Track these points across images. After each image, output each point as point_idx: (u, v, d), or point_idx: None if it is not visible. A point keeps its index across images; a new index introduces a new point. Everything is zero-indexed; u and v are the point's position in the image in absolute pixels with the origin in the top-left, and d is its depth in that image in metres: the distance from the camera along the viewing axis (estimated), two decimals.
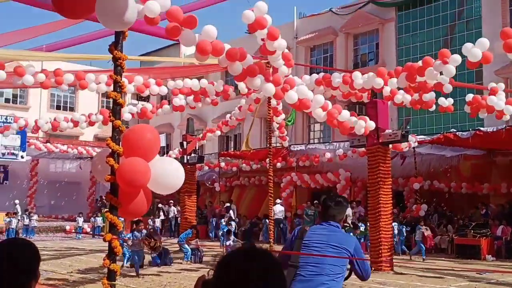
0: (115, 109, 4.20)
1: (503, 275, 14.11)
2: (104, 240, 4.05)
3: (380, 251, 14.46)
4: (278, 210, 23.67)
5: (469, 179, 22.12)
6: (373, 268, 14.31)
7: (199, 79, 17.42)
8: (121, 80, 4.23)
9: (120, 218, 4.64)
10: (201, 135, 22.79)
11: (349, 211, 18.42)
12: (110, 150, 4.02)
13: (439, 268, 15.02)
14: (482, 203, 21.32)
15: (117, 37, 4.26)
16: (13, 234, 24.16)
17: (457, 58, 11.97)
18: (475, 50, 11.40)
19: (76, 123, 16.50)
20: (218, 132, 21.74)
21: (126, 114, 17.47)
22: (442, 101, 16.50)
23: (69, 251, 20.25)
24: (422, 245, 17.74)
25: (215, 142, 33.76)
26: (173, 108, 18.19)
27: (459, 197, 22.46)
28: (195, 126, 28.86)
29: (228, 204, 26.84)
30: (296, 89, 11.82)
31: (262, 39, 10.13)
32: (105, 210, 20.70)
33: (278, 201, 23.93)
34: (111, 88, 14.51)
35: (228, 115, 21.26)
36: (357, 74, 14.31)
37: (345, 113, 13.38)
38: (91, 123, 16.54)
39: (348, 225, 17.01)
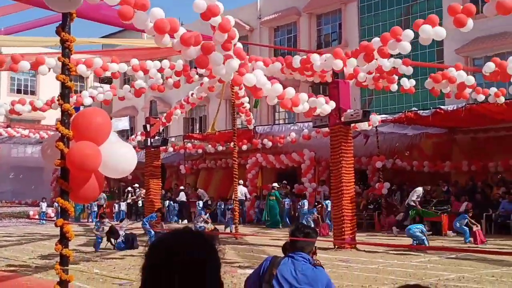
0: (64, 93, 4.11)
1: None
2: (56, 225, 3.99)
3: (343, 229, 14.67)
4: (240, 191, 23.83)
5: (431, 157, 22.56)
6: (336, 246, 14.55)
7: (161, 60, 17.24)
8: (69, 62, 4.14)
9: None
10: (165, 115, 22.60)
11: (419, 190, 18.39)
12: (60, 134, 3.96)
13: (402, 245, 15.30)
14: (443, 181, 21.78)
15: (65, 19, 4.16)
16: None
17: (409, 34, 12.13)
18: (426, 27, 11.52)
19: (35, 108, 16.15)
20: (178, 112, 21.52)
21: (86, 99, 17.23)
22: (404, 82, 16.71)
23: (32, 236, 19.97)
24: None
25: (180, 124, 33.56)
26: (135, 92, 17.95)
27: (421, 175, 22.89)
28: (159, 108, 28.59)
29: (201, 190, 26.93)
30: (254, 74, 11.84)
31: (213, 27, 10.00)
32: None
33: (240, 182, 24.06)
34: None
35: (190, 92, 21.13)
36: (315, 57, 14.34)
37: (303, 95, 13.50)
38: (48, 103, 16.17)
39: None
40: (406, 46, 12.31)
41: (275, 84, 12.69)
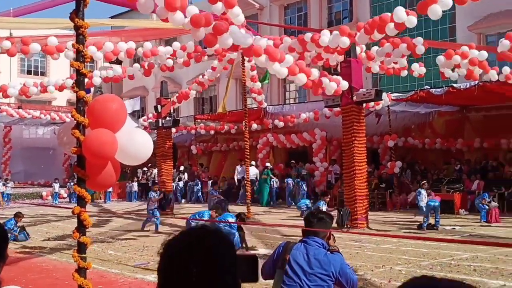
0: (79, 80, 4.08)
1: (475, 228, 14.50)
2: (73, 213, 4.00)
3: (355, 208, 14.66)
4: (252, 172, 23.96)
5: (443, 135, 22.45)
6: (349, 226, 14.56)
7: (171, 41, 17.18)
8: (83, 49, 4.11)
9: None
10: (176, 96, 22.58)
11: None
12: (75, 121, 3.94)
13: (415, 222, 15.29)
14: (456, 159, 21.69)
15: (78, 4, 4.11)
16: None
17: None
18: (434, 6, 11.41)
19: (45, 88, 16.17)
20: (193, 93, 21.51)
21: (95, 78, 17.24)
22: (415, 67, 16.66)
23: (46, 217, 20.17)
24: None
25: (190, 104, 33.51)
26: (145, 72, 17.90)
27: (433, 153, 22.81)
28: (170, 88, 28.51)
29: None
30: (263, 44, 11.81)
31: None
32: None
33: (252, 163, 24.13)
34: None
35: (201, 75, 21.09)
36: (325, 33, 14.19)
37: (314, 73, 13.40)
38: (60, 88, 16.22)
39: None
40: (412, 20, 12.37)
41: (288, 55, 12.66)
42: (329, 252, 3.89)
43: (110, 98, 4.13)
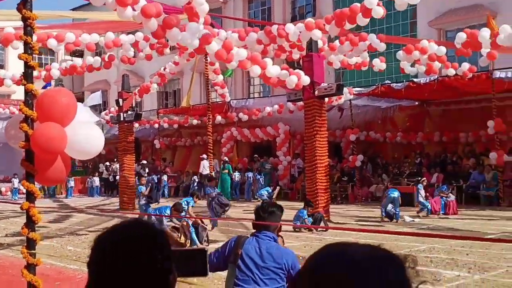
0: (27, 72, 3.99)
1: (433, 221, 14.80)
2: (21, 208, 3.91)
3: (317, 202, 14.77)
4: (206, 165, 24.15)
5: (404, 129, 22.84)
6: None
7: (134, 32, 16.96)
8: (32, 41, 4.01)
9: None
10: (137, 89, 22.31)
11: None
12: (24, 115, 3.85)
13: (375, 216, 15.52)
14: (416, 152, 22.09)
15: None
16: None
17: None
18: None
19: (1, 81, 15.80)
20: (155, 86, 21.30)
21: (54, 71, 16.93)
22: (376, 62, 16.90)
23: (4, 213, 19.72)
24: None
25: (153, 98, 33.22)
26: (105, 65, 17.63)
27: (394, 147, 23.18)
28: (132, 82, 28.14)
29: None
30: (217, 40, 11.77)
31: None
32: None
33: (204, 156, 24.36)
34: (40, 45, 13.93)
35: (162, 68, 20.92)
36: (290, 26, 14.24)
37: (275, 68, 13.46)
38: (18, 82, 15.85)
39: None
40: (378, 10, 12.52)
41: (240, 49, 12.66)
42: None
43: (59, 92, 4.04)
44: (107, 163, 30.38)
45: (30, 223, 3.88)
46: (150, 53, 17.75)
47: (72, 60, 18.70)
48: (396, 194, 14.85)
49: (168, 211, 11.45)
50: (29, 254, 3.82)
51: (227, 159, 24.10)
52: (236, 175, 24.04)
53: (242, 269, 3.74)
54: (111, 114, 22.78)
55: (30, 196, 3.92)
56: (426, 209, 15.83)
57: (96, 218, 17.83)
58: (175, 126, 27.90)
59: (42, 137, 3.78)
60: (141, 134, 29.02)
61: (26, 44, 3.99)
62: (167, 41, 16.24)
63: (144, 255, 1.46)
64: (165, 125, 27.64)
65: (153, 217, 11.79)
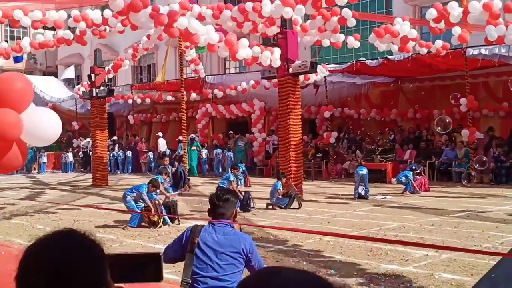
0: None
1: (405, 198, 14.97)
2: None
3: (290, 179, 14.79)
4: (162, 143, 24.56)
5: (378, 106, 22.94)
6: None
7: (103, 8, 16.56)
8: None
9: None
10: (111, 65, 21.92)
11: None
12: None
13: (347, 193, 15.61)
14: (389, 129, 22.24)
15: None
16: None
17: None
18: None
19: None
20: (127, 62, 20.95)
21: (25, 44, 16.60)
22: (351, 41, 16.88)
23: None
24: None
25: (128, 73, 32.73)
26: (77, 39, 17.26)
27: (368, 123, 23.30)
28: (106, 56, 27.75)
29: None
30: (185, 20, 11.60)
31: None
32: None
33: (160, 134, 24.73)
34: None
35: (136, 43, 20.57)
36: (266, 1, 14.05)
37: (246, 50, 13.33)
38: None
39: None
40: None
41: (209, 28, 12.51)
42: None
43: (14, 77, 3.91)
44: (83, 139, 30.08)
45: None
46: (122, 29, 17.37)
47: (43, 34, 18.27)
48: (364, 171, 14.96)
49: (144, 188, 11.31)
50: None
51: (194, 136, 24.18)
52: (204, 152, 24.22)
53: (200, 257, 3.73)
54: (84, 89, 22.43)
55: None
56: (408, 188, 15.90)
57: (67, 195, 17.69)
58: (148, 101, 27.52)
59: None
60: (115, 109, 28.72)
61: None
62: None
63: (69, 266, 1.39)
64: (139, 101, 27.30)
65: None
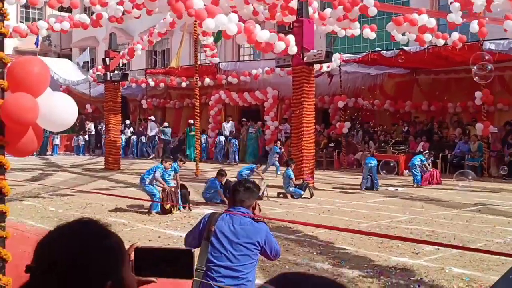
0: None
1: (417, 190, 14.91)
2: None
3: (302, 168, 14.80)
4: (151, 127, 26.19)
5: (393, 97, 22.78)
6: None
7: None
8: (3, 7, 3.86)
9: None
10: (126, 50, 21.93)
11: None
12: None
13: (357, 184, 15.56)
14: (403, 121, 22.10)
15: None
16: None
17: None
18: None
19: None
20: (140, 46, 20.90)
21: (42, 31, 16.59)
22: (367, 32, 16.80)
23: None
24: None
25: (142, 57, 32.76)
26: (93, 23, 17.27)
27: (382, 114, 23.16)
28: (121, 40, 27.76)
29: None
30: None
31: None
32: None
33: (152, 118, 25.22)
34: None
35: (152, 27, 20.55)
36: None
37: (264, 32, 13.29)
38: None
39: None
40: None
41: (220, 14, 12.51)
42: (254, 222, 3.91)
43: (31, 60, 3.92)
44: (87, 122, 30.26)
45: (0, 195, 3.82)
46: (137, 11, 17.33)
47: (60, 15, 18.30)
48: (373, 162, 14.90)
49: (160, 168, 11.28)
50: None
51: (192, 122, 24.34)
52: (204, 138, 24.49)
53: (215, 245, 3.73)
54: (98, 73, 22.49)
55: (1, 168, 3.84)
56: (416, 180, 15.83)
57: (80, 177, 17.81)
58: (162, 85, 27.56)
59: (13, 107, 3.67)
60: (129, 93, 28.78)
61: None
62: None
63: (86, 257, 1.39)
64: (152, 84, 27.32)
65: None
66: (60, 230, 1.46)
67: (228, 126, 24.71)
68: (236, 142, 23.43)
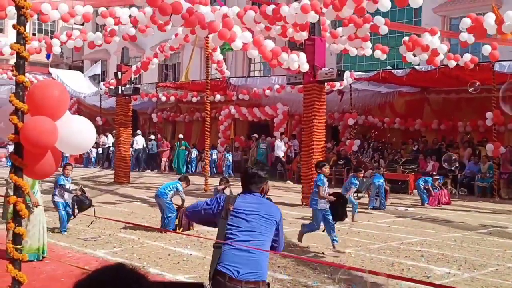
0: (19, 64, 3.88)
1: (427, 210, 14.81)
2: (8, 203, 3.85)
3: (311, 187, 14.72)
4: (139, 141, 26.75)
5: (403, 115, 22.75)
6: (304, 203, 14.63)
7: (130, 6, 16.68)
8: (24, 31, 3.90)
9: None
10: (138, 64, 22.06)
11: None
12: (14, 107, 3.76)
13: (365, 203, 15.49)
14: (413, 139, 22.03)
15: None
16: None
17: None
18: None
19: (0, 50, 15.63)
20: (156, 61, 21.07)
21: (55, 48, 16.76)
22: (377, 53, 16.88)
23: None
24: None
25: (153, 71, 32.95)
26: (106, 40, 17.42)
27: (392, 132, 23.11)
28: (133, 53, 27.91)
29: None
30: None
31: None
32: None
33: (138, 132, 25.45)
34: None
35: (163, 41, 20.71)
36: (284, 8, 13.96)
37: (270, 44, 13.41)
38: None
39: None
40: (385, 3, 12.36)
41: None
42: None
43: (51, 84, 3.95)
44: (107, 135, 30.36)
45: (17, 218, 3.82)
46: (151, 30, 17.47)
47: (72, 29, 18.47)
48: (381, 181, 14.82)
49: (180, 185, 11.11)
50: (15, 249, 3.78)
51: (182, 137, 26.27)
52: (194, 152, 25.96)
53: (234, 221, 3.79)
54: (111, 86, 22.61)
55: (18, 190, 3.86)
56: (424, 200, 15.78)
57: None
58: (172, 99, 27.66)
59: (32, 131, 3.70)
60: (139, 107, 28.91)
61: (19, 34, 3.88)
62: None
63: None
64: (163, 98, 27.44)
65: None
66: (95, 277, 1.48)
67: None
68: (230, 157, 24.35)
